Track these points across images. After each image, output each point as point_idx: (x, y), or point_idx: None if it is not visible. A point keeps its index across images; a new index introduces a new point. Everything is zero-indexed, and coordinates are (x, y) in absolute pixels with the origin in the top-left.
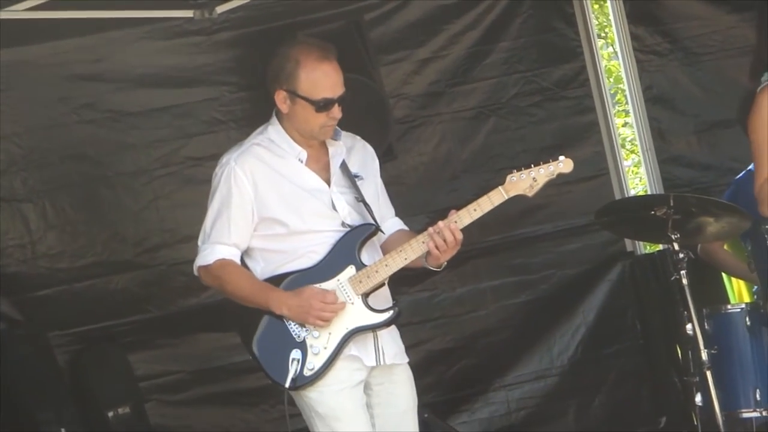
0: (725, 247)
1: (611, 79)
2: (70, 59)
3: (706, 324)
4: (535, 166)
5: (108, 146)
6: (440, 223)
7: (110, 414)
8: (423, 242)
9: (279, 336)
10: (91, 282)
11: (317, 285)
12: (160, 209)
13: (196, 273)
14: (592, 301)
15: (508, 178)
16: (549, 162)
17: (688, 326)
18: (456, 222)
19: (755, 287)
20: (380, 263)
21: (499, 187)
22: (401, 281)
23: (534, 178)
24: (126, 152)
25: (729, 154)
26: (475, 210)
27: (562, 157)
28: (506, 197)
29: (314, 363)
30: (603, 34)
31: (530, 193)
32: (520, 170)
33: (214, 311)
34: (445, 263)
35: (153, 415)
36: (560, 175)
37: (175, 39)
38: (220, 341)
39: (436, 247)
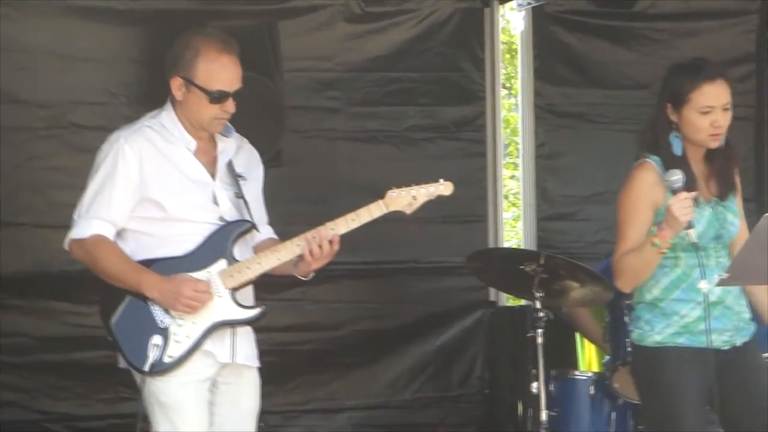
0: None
1: (508, 130)
2: None
3: (551, 385)
4: (416, 185)
5: None
6: (319, 229)
7: None
8: (298, 245)
9: (141, 319)
10: None
11: (187, 274)
12: (35, 169)
13: (66, 246)
14: (446, 342)
15: (388, 193)
16: (430, 183)
17: (534, 384)
18: (333, 230)
19: (606, 358)
20: (253, 260)
21: (379, 201)
22: (264, 287)
23: (414, 197)
24: (13, 106)
25: (606, 225)
26: (353, 220)
27: (442, 180)
28: (385, 211)
29: (174, 351)
30: (508, 85)
31: (408, 211)
32: (401, 187)
33: (71, 281)
34: (313, 273)
35: None
36: (439, 197)
37: (87, 7)
38: (72, 312)
39: (310, 253)
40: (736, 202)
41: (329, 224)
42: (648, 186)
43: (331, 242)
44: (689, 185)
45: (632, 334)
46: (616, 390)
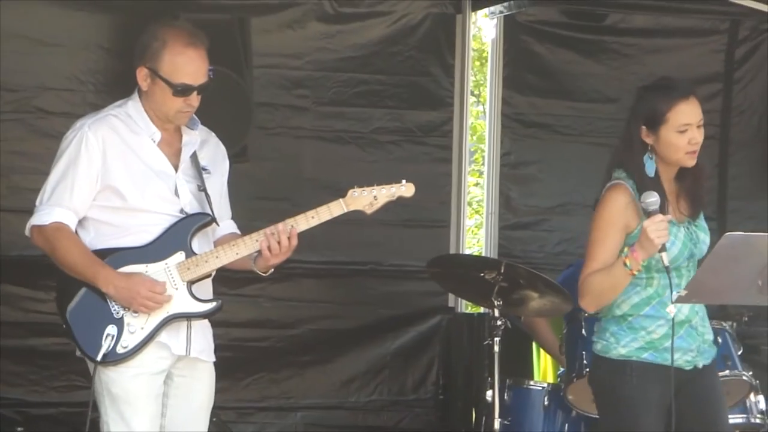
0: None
1: (474, 137)
2: None
3: (506, 394)
4: (378, 185)
5: None
6: (278, 225)
7: None
8: (256, 240)
9: (96, 309)
10: None
11: (144, 265)
12: None
13: (27, 232)
14: (402, 345)
15: (350, 192)
16: (392, 184)
17: (489, 392)
18: (293, 227)
19: (561, 370)
20: (211, 254)
21: (340, 200)
22: (224, 281)
23: (375, 197)
24: None
25: (568, 236)
26: (313, 217)
27: (404, 181)
28: (345, 210)
29: (128, 342)
30: (477, 92)
31: (369, 211)
32: (363, 187)
33: (30, 266)
34: (272, 269)
35: None
36: (400, 198)
37: None
38: (29, 297)
39: (269, 249)
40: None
41: (289, 220)
42: (621, 208)
43: (289, 238)
44: (663, 206)
45: (596, 345)
46: (570, 402)
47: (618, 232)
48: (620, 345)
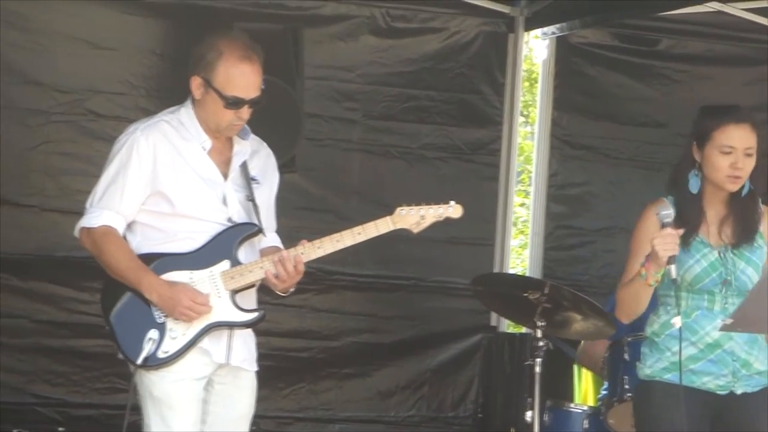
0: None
1: (521, 158)
2: None
3: (546, 415)
4: (426, 204)
5: (15, 77)
6: (283, 253)
7: None
8: (302, 253)
9: (139, 313)
10: None
11: (189, 272)
12: (48, 153)
13: (76, 234)
14: (442, 362)
15: (398, 210)
16: (440, 204)
17: (528, 413)
18: (302, 253)
19: (601, 393)
20: (256, 264)
21: (388, 217)
22: (268, 291)
23: (422, 216)
24: (31, 88)
25: (612, 260)
26: (359, 234)
27: (452, 202)
28: (392, 227)
29: (169, 347)
30: (526, 112)
31: (416, 230)
32: (411, 206)
33: (75, 267)
34: (292, 290)
35: None
36: (448, 219)
37: None
38: (73, 298)
39: (276, 276)
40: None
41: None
42: (654, 222)
43: (295, 266)
44: (694, 224)
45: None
46: (610, 426)
47: (648, 245)
48: (647, 366)
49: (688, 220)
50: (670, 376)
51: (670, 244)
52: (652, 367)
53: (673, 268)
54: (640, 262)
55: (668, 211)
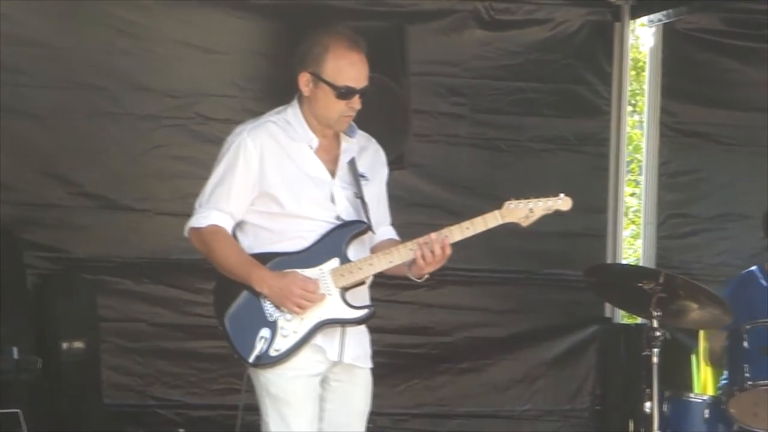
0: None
1: (630, 147)
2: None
3: (665, 406)
4: (534, 197)
5: (127, 84)
6: (431, 235)
7: (64, 345)
8: (411, 249)
9: (251, 312)
10: (76, 211)
11: (299, 270)
12: (160, 157)
13: (186, 234)
14: (558, 355)
15: (506, 204)
16: (548, 197)
17: (647, 404)
18: (447, 236)
19: (721, 382)
20: (365, 261)
21: (496, 211)
22: (379, 287)
23: (531, 209)
24: (142, 94)
25: (726, 248)
26: (467, 228)
27: (562, 195)
28: (500, 222)
29: (281, 345)
30: (633, 101)
31: (525, 223)
32: (519, 199)
33: (190, 269)
34: (428, 275)
35: (105, 357)
36: (557, 212)
37: (220, 1)
38: (188, 300)
39: (423, 258)
40: None
41: (444, 230)
42: None
43: (442, 248)
44: None
45: None
46: (732, 415)
47: None
48: None
49: None
50: None
51: None
52: None
53: None
54: None
55: None
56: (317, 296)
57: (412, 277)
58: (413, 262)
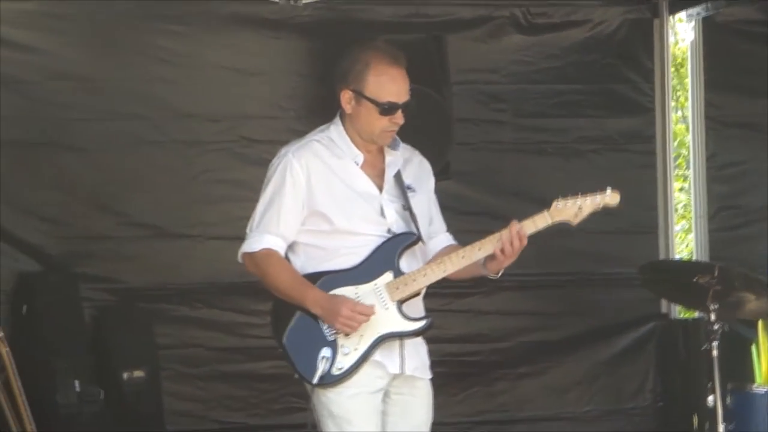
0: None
1: (675, 142)
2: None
3: (728, 399)
4: (582, 195)
5: (169, 112)
6: (513, 227)
7: (125, 375)
8: (462, 257)
9: (310, 332)
10: (128, 241)
11: (354, 287)
12: (207, 182)
13: (240, 259)
14: (616, 354)
15: (554, 203)
16: (596, 192)
17: (710, 398)
18: (521, 228)
19: None
20: (419, 272)
21: (545, 211)
22: (433, 297)
23: (580, 207)
24: (186, 120)
25: None
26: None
27: (609, 189)
28: (550, 222)
29: (343, 363)
30: (675, 97)
31: (575, 221)
32: (567, 198)
33: (243, 292)
34: (503, 270)
35: (166, 384)
36: (606, 207)
37: (256, 21)
38: (243, 323)
39: (502, 251)
40: None
41: (515, 224)
42: None
43: (520, 239)
44: None
45: None
46: None
47: None
48: None
49: None
50: None
51: None
52: None
53: None
54: None
55: None
56: (365, 318)
57: (488, 274)
58: (491, 257)
